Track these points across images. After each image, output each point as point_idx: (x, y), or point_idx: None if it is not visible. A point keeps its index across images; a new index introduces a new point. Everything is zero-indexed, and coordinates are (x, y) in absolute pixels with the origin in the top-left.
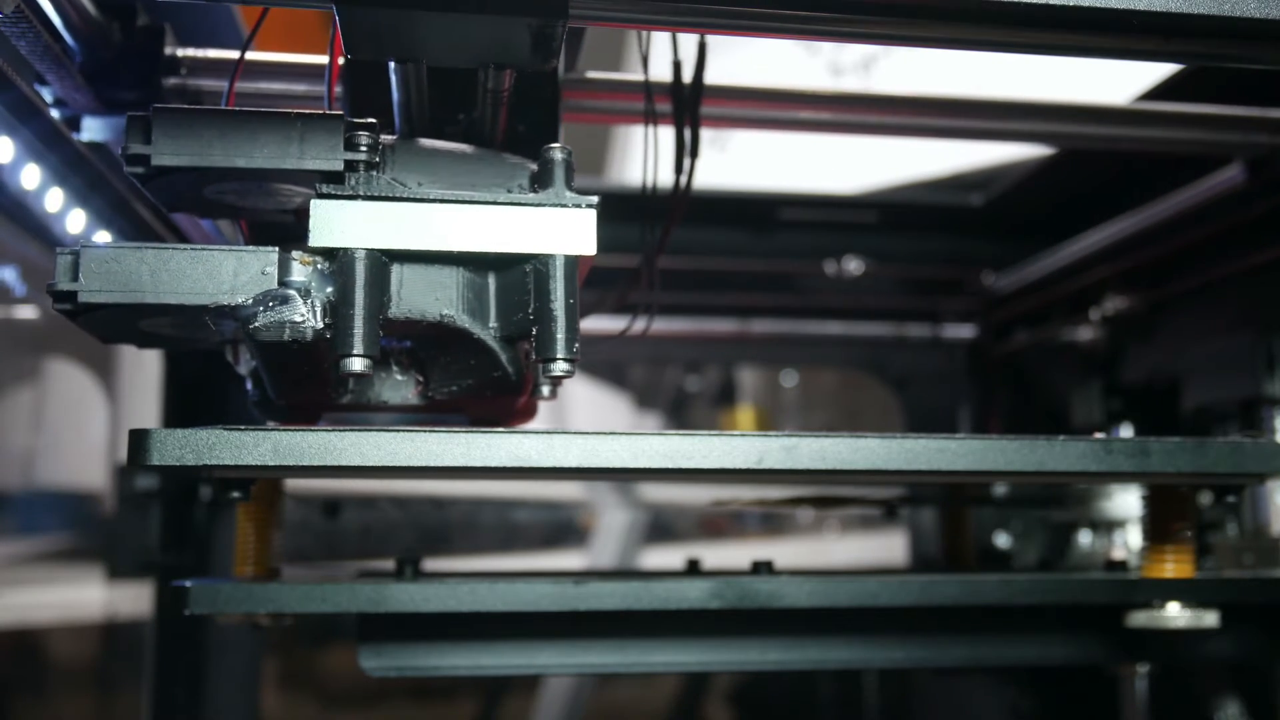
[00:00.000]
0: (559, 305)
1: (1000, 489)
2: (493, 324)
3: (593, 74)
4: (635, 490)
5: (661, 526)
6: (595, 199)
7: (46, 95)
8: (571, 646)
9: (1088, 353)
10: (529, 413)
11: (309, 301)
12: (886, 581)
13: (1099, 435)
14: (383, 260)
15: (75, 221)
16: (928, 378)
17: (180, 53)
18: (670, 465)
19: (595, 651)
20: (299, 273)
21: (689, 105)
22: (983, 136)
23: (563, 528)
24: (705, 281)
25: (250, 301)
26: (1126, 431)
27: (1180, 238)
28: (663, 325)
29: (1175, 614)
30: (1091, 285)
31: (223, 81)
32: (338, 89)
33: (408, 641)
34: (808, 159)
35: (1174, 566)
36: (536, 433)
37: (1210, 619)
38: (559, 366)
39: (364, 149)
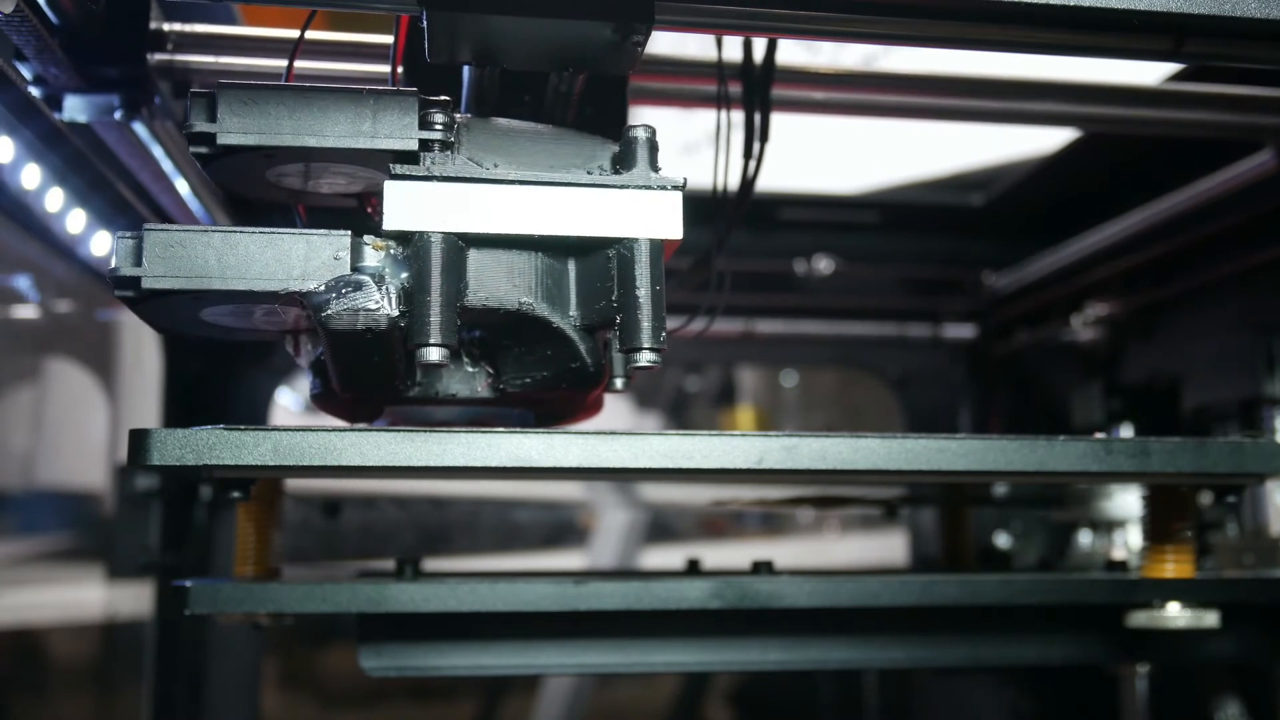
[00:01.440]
0: (644, 292)
1: (1000, 489)
2: (572, 312)
3: (660, 55)
4: (635, 490)
5: (661, 526)
6: (682, 179)
7: (25, 72)
8: (571, 646)
9: (1088, 353)
10: (596, 407)
11: (383, 288)
12: (887, 581)
13: (1099, 435)
14: (459, 245)
15: (75, 221)
16: (928, 378)
17: (166, 27)
18: (670, 465)
19: (595, 651)
20: (372, 258)
21: (759, 87)
22: (1011, 119)
23: (563, 528)
24: (705, 281)
25: (322, 288)
26: (1126, 431)
27: (1189, 233)
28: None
29: (1175, 614)
30: (1092, 285)
31: (213, 57)
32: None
33: (408, 641)
34: (808, 159)
35: (1174, 566)
36: (536, 433)
37: (1210, 619)
38: (645, 357)
39: (439, 127)
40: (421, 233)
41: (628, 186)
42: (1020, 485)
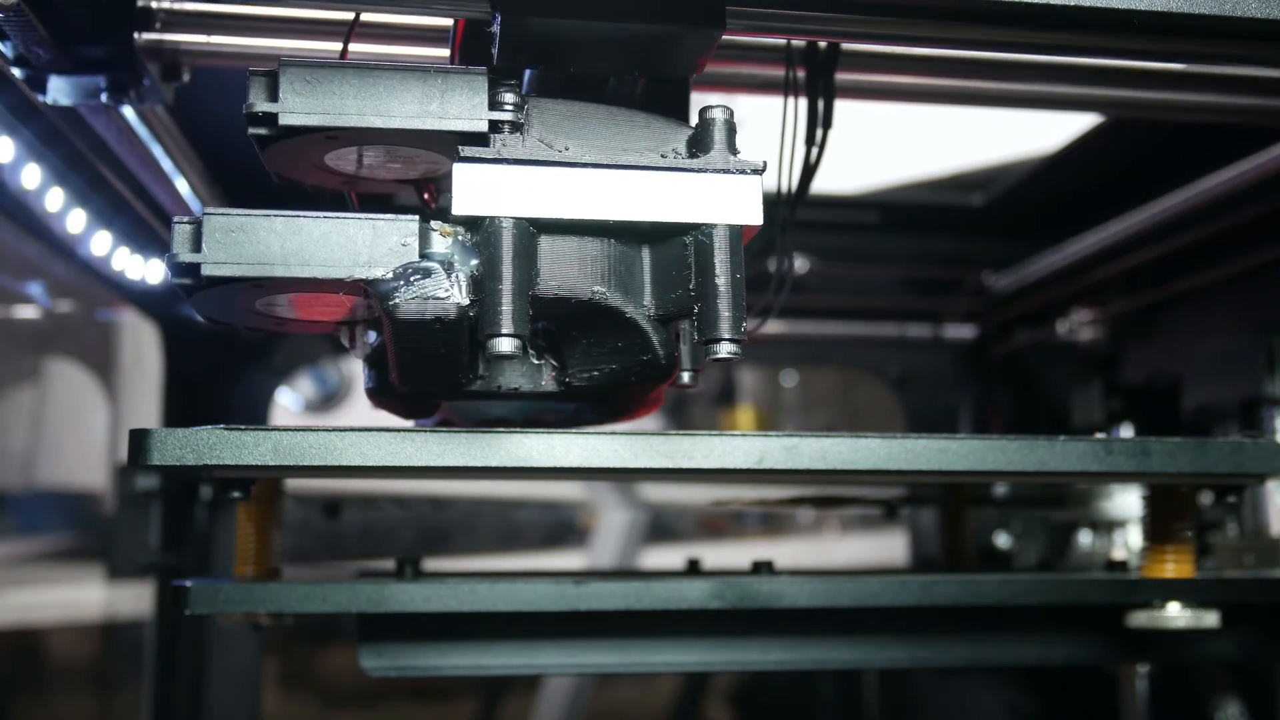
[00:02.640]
0: (724, 280)
1: (1001, 489)
2: (646, 302)
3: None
4: (635, 490)
5: (661, 526)
6: (762, 163)
7: (6, 51)
8: (572, 646)
9: (1088, 353)
10: (658, 402)
11: (452, 275)
12: (887, 581)
13: (1099, 435)
14: (530, 231)
15: (75, 221)
16: (928, 378)
17: (155, 4)
18: (670, 465)
19: (595, 651)
20: (439, 244)
21: (823, 71)
22: (1030, 104)
23: (563, 528)
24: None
25: (389, 275)
26: (1127, 431)
27: (1191, 232)
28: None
29: (1175, 614)
30: (1092, 285)
31: (205, 36)
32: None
33: (408, 641)
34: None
35: (1174, 566)
36: (536, 433)
37: (1210, 619)
38: (725, 348)
39: (509, 107)
40: (492, 218)
41: (705, 170)
42: (1020, 485)
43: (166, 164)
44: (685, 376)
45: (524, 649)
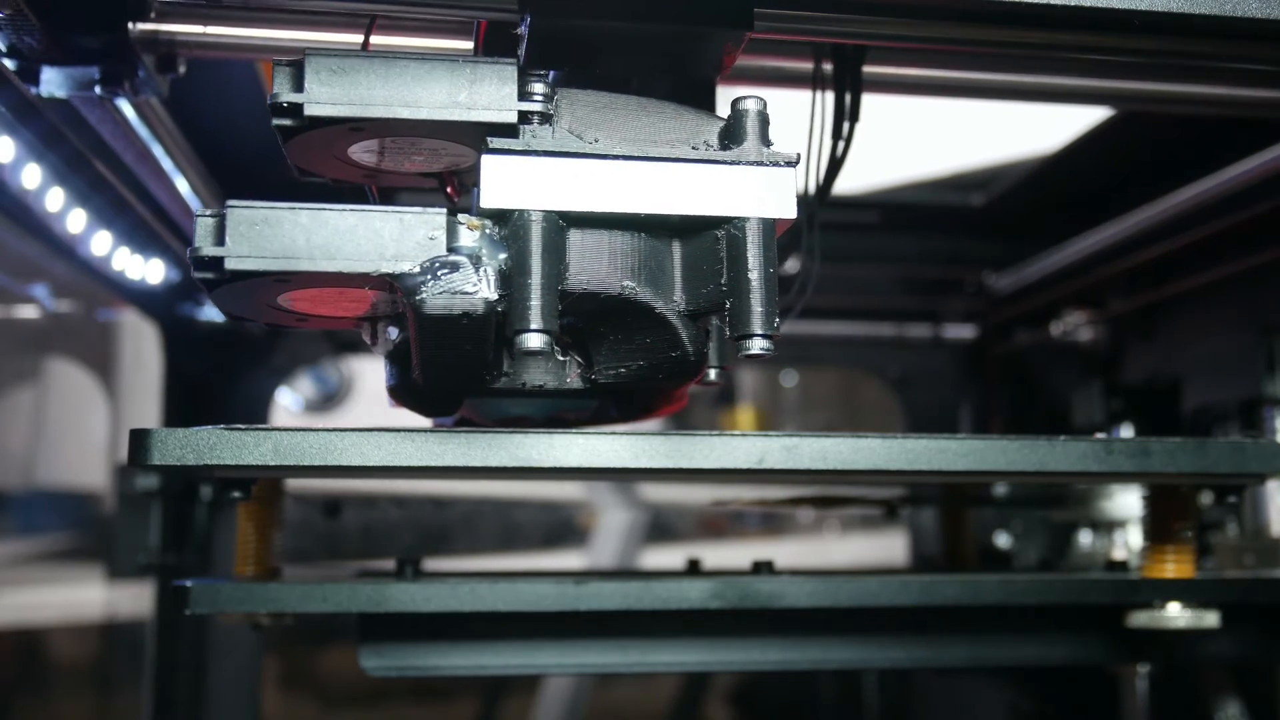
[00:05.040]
0: (756, 275)
1: (1001, 489)
2: (676, 297)
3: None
4: (635, 490)
5: (661, 526)
6: (796, 155)
7: None
8: (571, 646)
9: (1088, 353)
10: (682, 400)
11: (480, 270)
12: (887, 581)
13: (1099, 435)
14: (560, 224)
15: (76, 221)
16: (928, 378)
17: None
18: (670, 465)
19: (595, 651)
20: (467, 238)
21: (851, 66)
22: (1043, 97)
23: (563, 528)
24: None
25: (416, 269)
26: (1127, 431)
27: (1193, 231)
28: None
29: (1176, 614)
30: (1092, 285)
31: (201, 26)
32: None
33: (408, 641)
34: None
35: (1174, 567)
36: (536, 433)
37: (1211, 619)
38: (757, 344)
39: (539, 98)
40: (521, 211)
41: (739, 163)
42: (1021, 485)
43: (166, 163)
44: (713, 374)
45: (524, 649)
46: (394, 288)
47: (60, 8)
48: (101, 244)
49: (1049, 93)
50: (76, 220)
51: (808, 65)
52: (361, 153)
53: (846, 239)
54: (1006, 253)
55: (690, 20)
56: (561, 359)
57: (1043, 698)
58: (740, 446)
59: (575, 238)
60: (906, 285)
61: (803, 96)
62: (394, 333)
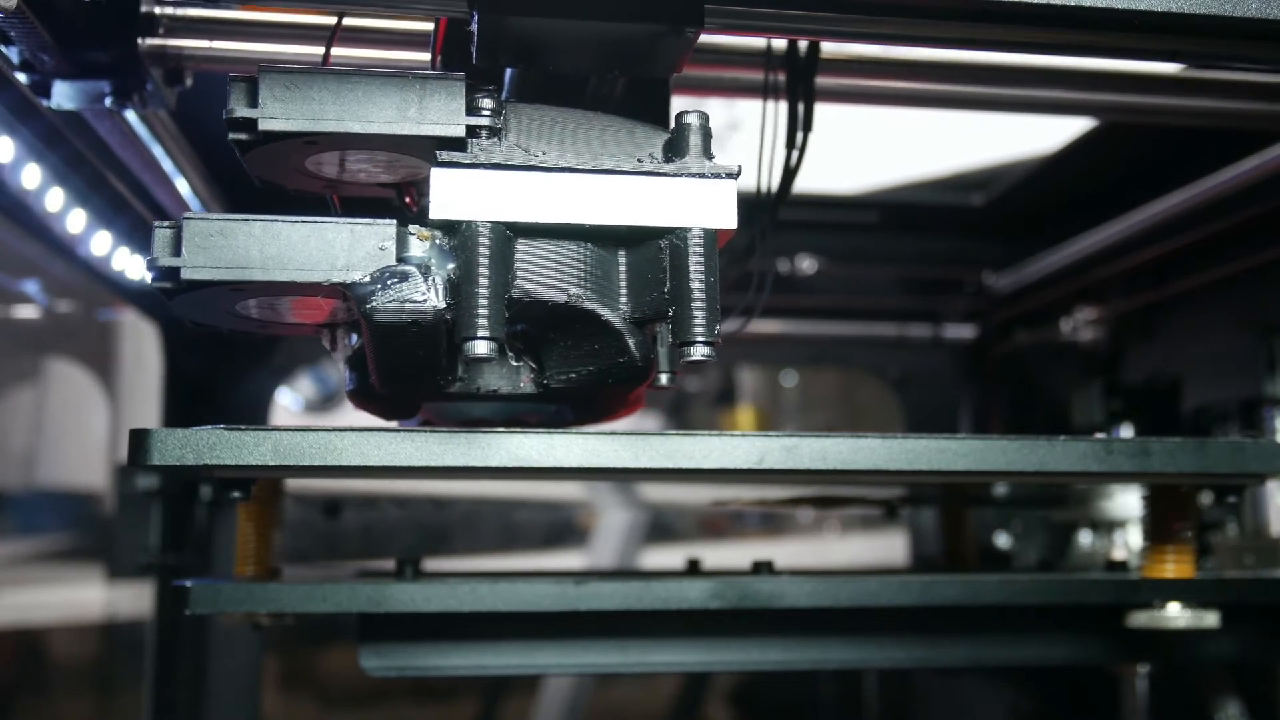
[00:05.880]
0: (698, 283)
1: (1001, 489)
2: (622, 305)
3: (703, 43)
4: (635, 490)
5: (661, 526)
6: (737, 168)
7: (12, 56)
8: (571, 646)
9: (1088, 353)
10: (638, 404)
11: (429, 279)
12: (887, 581)
13: (1099, 435)
14: (507, 235)
15: (76, 221)
16: (928, 378)
17: (158, 10)
18: (670, 465)
19: (595, 651)
20: (417, 248)
21: (804, 76)
22: (1028, 108)
23: (563, 528)
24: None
25: (367, 279)
26: (1127, 431)
27: (1193, 232)
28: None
29: (1176, 614)
30: (1092, 285)
31: (206, 41)
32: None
33: (408, 641)
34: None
35: (1174, 567)
36: (536, 433)
37: (1211, 619)
38: (699, 350)
39: (486, 113)
40: (469, 222)
41: (681, 175)
42: (1021, 485)
43: (167, 164)
44: (663, 379)
45: (524, 649)
46: (346, 296)
47: (74, 26)
48: (101, 244)
49: (1017, 103)
50: (76, 220)
51: (774, 75)
52: (320, 164)
53: (846, 239)
54: (1006, 253)
55: (639, 18)
56: (515, 364)
57: (1043, 698)
58: (740, 446)
59: (523, 247)
60: (906, 285)
61: (775, 105)
62: (354, 339)
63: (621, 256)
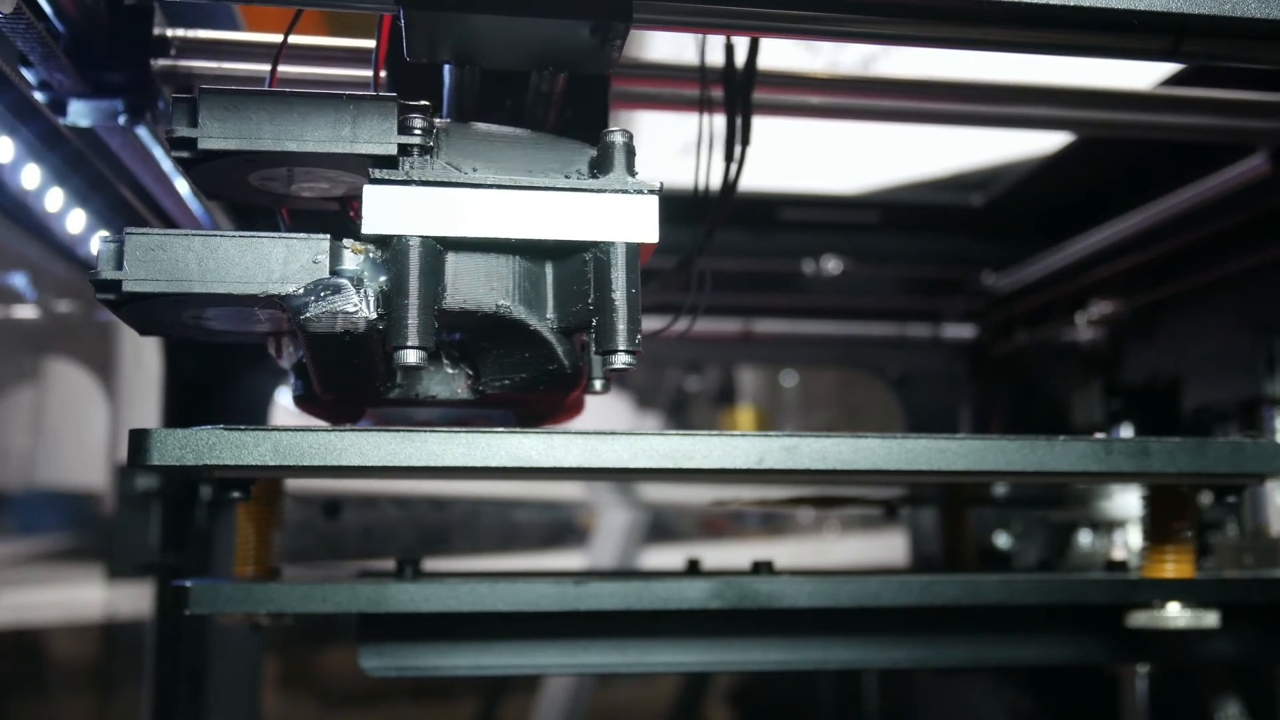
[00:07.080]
0: (620, 295)
1: (1000, 489)
2: (549, 315)
3: (642, 59)
4: (635, 490)
5: (661, 526)
6: (659, 184)
7: (30, 77)
8: (571, 646)
9: (1088, 353)
10: (578, 408)
11: (361, 291)
12: (887, 581)
13: (1099, 435)
14: (437, 248)
15: (75, 221)
16: (928, 378)
17: (170, 33)
18: (670, 465)
19: (595, 651)
20: (350, 261)
21: (741, 90)
22: (1003, 123)
23: (563, 528)
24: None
25: (301, 291)
26: (1127, 431)
27: (1188, 234)
28: (661, 325)
29: (1175, 614)
30: (1092, 285)
31: (215, 62)
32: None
33: (408, 641)
34: (808, 159)
35: (1174, 566)
36: (536, 433)
37: (1210, 619)
38: (620, 359)
39: (418, 132)
40: (400, 236)
41: (604, 190)
42: (1020, 485)
43: (167, 164)
44: (597, 384)
45: (524, 649)
46: (283, 308)
47: (90, 48)
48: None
49: (964, 118)
50: (76, 220)
51: (716, 91)
52: (266, 180)
53: (846, 239)
54: (1006, 253)
55: (567, 13)
56: (451, 371)
57: (1043, 698)
58: (740, 446)
59: (453, 260)
60: (906, 285)
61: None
62: (295, 348)
63: (549, 269)
